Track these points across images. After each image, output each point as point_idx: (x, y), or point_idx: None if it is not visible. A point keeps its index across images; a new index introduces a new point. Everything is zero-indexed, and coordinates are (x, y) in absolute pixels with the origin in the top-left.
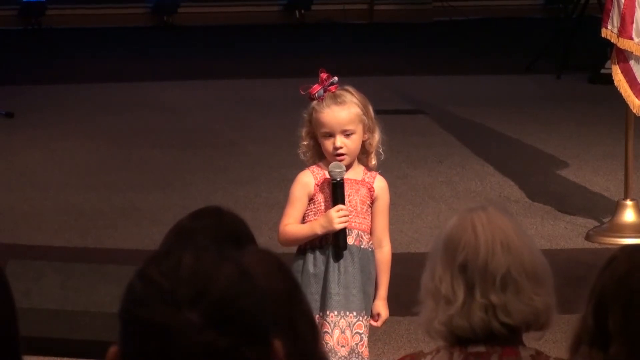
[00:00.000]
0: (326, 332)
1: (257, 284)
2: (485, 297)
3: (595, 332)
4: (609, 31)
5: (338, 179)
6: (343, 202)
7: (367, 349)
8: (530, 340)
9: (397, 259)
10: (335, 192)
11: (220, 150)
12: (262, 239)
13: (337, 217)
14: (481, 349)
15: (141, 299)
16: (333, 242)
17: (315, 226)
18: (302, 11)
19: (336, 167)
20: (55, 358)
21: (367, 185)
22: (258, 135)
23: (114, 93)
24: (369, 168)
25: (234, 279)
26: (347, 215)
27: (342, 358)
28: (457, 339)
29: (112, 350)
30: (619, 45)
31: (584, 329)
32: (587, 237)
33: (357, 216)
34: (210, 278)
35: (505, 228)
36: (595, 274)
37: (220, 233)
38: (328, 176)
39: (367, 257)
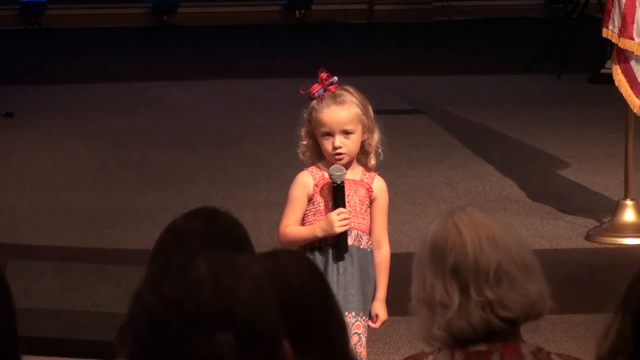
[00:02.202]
0: None
1: (270, 293)
2: (480, 295)
3: (635, 346)
4: (610, 31)
5: (339, 182)
6: (344, 205)
7: (366, 349)
8: (528, 332)
9: (397, 259)
10: (336, 195)
11: (220, 150)
12: (262, 239)
13: (338, 221)
14: (482, 347)
15: (167, 323)
16: (334, 245)
17: (316, 229)
18: (302, 11)
19: (337, 170)
20: (55, 358)
21: (366, 186)
22: (258, 135)
23: (114, 93)
24: (367, 168)
25: (254, 292)
26: (348, 219)
27: None
28: (458, 342)
29: None
30: (620, 45)
31: (620, 343)
32: (587, 237)
33: (356, 216)
34: (233, 295)
35: (487, 223)
36: (628, 284)
37: (215, 234)
38: (327, 177)
39: (366, 257)
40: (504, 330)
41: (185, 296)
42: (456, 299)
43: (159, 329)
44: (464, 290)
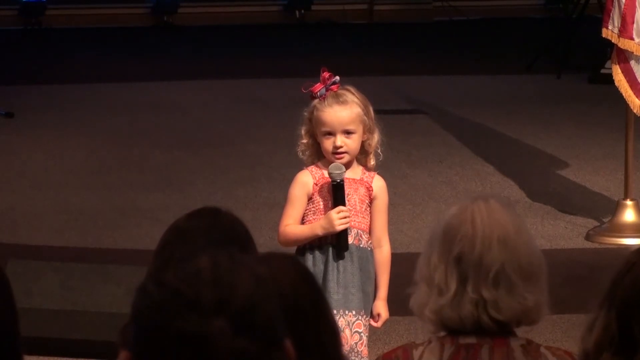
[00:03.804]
0: None
1: (270, 287)
2: (476, 292)
3: (620, 340)
4: (610, 31)
5: (338, 180)
6: (344, 204)
7: (367, 348)
8: (523, 332)
9: (397, 259)
10: (336, 193)
11: (220, 150)
12: (262, 239)
13: (338, 219)
14: (472, 340)
15: (164, 307)
16: (334, 244)
17: (316, 227)
18: (302, 11)
19: (336, 168)
20: (55, 358)
21: (366, 185)
22: (258, 135)
23: (114, 93)
24: (367, 168)
25: (252, 283)
26: (348, 217)
27: None
28: (446, 328)
29: (124, 356)
30: (620, 45)
31: (605, 337)
32: (587, 237)
33: (356, 215)
34: (231, 284)
35: (504, 223)
36: (611, 279)
37: (217, 234)
38: (327, 176)
39: (366, 256)
40: (493, 330)
41: (184, 282)
42: (453, 288)
43: (156, 312)
44: (462, 282)
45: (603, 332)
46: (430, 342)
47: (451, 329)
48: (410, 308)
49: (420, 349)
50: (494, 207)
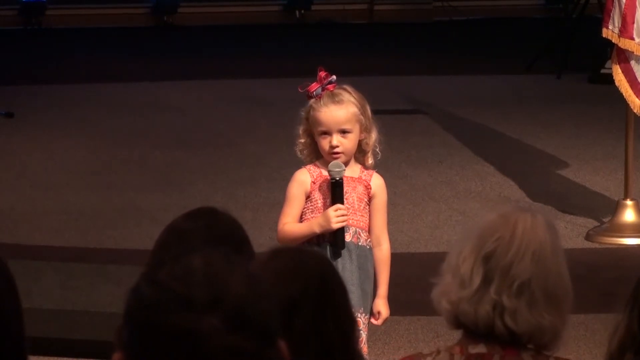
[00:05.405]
0: None
1: (264, 287)
2: (498, 296)
3: None
4: (610, 31)
5: (337, 179)
6: (342, 202)
7: (366, 346)
8: None
9: (397, 259)
10: (334, 191)
11: (220, 150)
12: (262, 239)
13: (335, 217)
14: (482, 349)
15: (157, 305)
16: (331, 242)
17: (314, 225)
18: (302, 11)
19: (335, 166)
20: (55, 358)
21: (364, 183)
22: (258, 135)
23: (114, 93)
24: (365, 167)
25: (246, 282)
26: (345, 215)
27: None
28: (459, 324)
29: (116, 357)
30: (620, 45)
31: (628, 337)
32: (587, 237)
33: (355, 213)
34: (224, 282)
35: (544, 240)
36: (637, 280)
37: (214, 234)
38: (325, 174)
39: (365, 254)
40: (504, 338)
41: (177, 281)
42: (476, 284)
43: (149, 311)
44: (486, 282)
45: (625, 333)
46: (438, 352)
47: (463, 326)
48: (431, 298)
49: (429, 359)
50: (539, 222)
